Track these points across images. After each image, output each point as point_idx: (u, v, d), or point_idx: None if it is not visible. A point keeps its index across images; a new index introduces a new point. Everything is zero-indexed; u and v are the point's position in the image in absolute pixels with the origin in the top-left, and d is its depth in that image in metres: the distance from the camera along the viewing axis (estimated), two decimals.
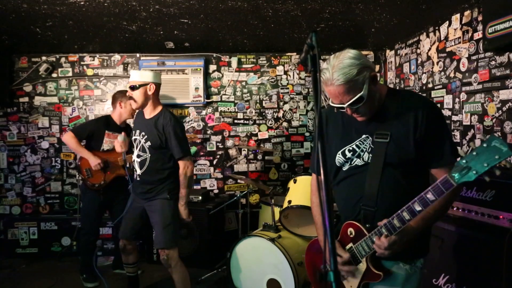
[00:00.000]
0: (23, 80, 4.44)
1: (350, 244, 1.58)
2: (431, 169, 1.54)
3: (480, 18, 2.62)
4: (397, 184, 1.51)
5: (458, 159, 1.27)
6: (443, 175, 1.40)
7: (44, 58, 4.44)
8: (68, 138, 3.39)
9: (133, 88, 2.73)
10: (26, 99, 4.47)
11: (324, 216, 0.88)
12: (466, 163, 1.22)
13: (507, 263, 1.76)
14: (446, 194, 1.31)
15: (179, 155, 2.72)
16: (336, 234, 1.64)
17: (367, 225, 1.53)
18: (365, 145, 1.56)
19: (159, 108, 2.82)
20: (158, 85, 2.82)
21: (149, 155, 2.75)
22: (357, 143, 1.58)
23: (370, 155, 1.54)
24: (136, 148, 2.83)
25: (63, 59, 4.48)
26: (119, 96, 3.56)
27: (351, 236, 1.57)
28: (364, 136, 1.57)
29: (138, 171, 2.81)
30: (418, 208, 1.35)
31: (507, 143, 1.17)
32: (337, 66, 1.40)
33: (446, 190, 1.29)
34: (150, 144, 2.74)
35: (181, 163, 2.74)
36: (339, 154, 1.61)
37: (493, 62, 2.59)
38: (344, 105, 1.45)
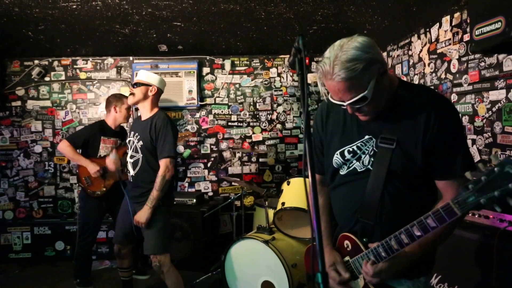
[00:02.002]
0: (15, 84, 4.42)
1: (347, 258, 1.48)
2: (436, 180, 1.35)
3: (469, 20, 2.65)
4: (401, 196, 1.34)
5: (470, 177, 1.09)
6: (448, 190, 1.29)
7: (36, 61, 4.42)
8: (64, 147, 3.35)
9: (136, 85, 2.79)
10: (18, 103, 4.45)
11: (312, 218, 0.89)
12: (473, 190, 1.05)
13: (497, 262, 1.78)
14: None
15: (164, 154, 2.66)
16: (334, 242, 1.55)
17: (364, 239, 1.40)
18: (368, 147, 1.38)
19: (155, 110, 2.84)
20: (160, 90, 2.86)
21: (141, 155, 2.74)
22: (359, 144, 1.40)
23: (372, 159, 1.37)
24: (130, 149, 2.84)
25: (55, 63, 4.47)
26: (113, 100, 3.52)
27: (348, 249, 1.47)
28: (367, 137, 1.39)
29: (132, 172, 2.80)
30: (417, 233, 1.20)
31: None
32: (339, 58, 1.19)
33: (449, 218, 1.12)
34: (142, 143, 2.74)
35: (162, 163, 2.65)
36: (337, 154, 1.45)
37: (482, 64, 2.62)
38: (344, 104, 1.27)
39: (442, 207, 1.13)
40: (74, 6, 2.95)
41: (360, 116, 1.36)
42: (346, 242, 1.46)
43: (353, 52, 1.19)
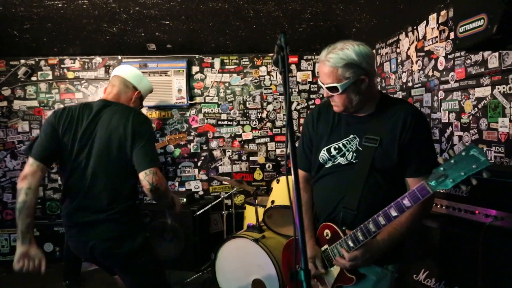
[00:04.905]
0: (1, 84, 4.35)
1: (326, 246, 1.57)
2: (406, 178, 1.53)
3: (454, 18, 2.67)
4: (380, 189, 1.51)
5: (440, 165, 1.26)
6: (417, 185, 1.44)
7: (22, 61, 4.36)
8: None
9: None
10: (4, 103, 4.38)
11: (295, 216, 0.89)
12: (443, 171, 1.21)
13: (483, 257, 1.80)
14: (416, 207, 1.33)
15: None
16: (314, 233, 1.66)
17: (343, 228, 1.52)
18: (351, 145, 1.56)
19: None
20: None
21: None
22: (344, 142, 1.58)
23: (355, 154, 1.53)
24: None
25: (42, 62, 4.41)
26: None
27: (327, 237, 1.56)
28: (351, 136, 1.57)
29: None
30: (394, 213, 1.35)
31: (485, 153, 1.17)
32: (336, 49, 1.44)
33: (422, 197, 1.29)
34: None
35: None
36: (324, 150, 1.61)
37: (468, 61, 2.65)
38: (323, 86, 1.49)
39: (416, 187, 1.30)
40: (60, 5, 2.91)
41: (333, 105, 1.55)
42: (326, 231, 1.57)
43: (346, 51, 1.42)
